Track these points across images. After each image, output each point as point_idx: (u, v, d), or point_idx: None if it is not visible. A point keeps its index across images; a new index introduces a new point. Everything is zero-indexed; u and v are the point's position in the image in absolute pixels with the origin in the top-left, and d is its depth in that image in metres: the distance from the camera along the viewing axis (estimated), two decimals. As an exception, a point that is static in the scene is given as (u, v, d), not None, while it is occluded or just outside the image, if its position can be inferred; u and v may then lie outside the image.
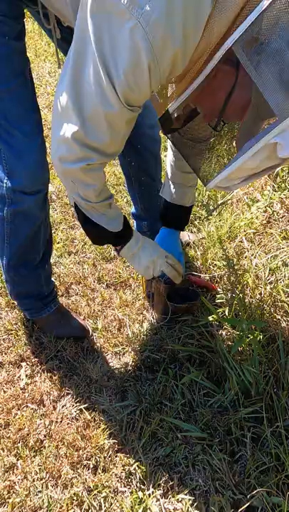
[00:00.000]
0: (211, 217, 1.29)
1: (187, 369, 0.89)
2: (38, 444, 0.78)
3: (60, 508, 0.68)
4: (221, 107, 0.53)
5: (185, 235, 1.22)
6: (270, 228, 1.22)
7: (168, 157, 0.90)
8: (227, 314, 0.95)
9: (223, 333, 0.95)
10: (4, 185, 0.72)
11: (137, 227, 1.21)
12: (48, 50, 2.48)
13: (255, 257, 1.12)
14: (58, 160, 0.60)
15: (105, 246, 1.23)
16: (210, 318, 0.94)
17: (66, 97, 0.53)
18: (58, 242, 1.25)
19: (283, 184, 1.29)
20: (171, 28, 0.44)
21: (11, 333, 1.00)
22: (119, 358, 0.95)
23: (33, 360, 0.94)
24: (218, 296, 1.02)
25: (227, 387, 0.81)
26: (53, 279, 0.99)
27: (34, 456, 0.76)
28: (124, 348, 0.97)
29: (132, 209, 1.21)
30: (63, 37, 0.69)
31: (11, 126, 0.66)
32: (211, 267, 1.14)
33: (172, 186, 0.91)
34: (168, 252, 0.89)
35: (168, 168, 0.91)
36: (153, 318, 1.04)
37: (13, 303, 1.06)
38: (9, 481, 0.72)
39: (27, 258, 0.85)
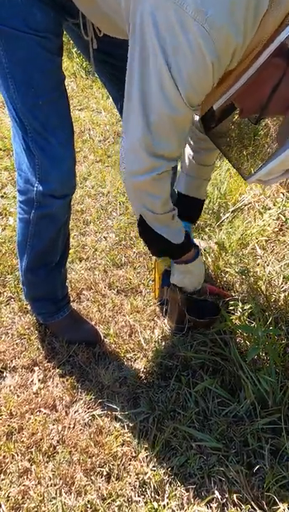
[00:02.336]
0: (221, 225, 1.30)
1: (200, 377, 0.88)
2: (51, 449, 0.77)
3: (74, 516, 0.67)
4: (265, 101, 0.54)
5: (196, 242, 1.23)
6: (283, 236, 1.21)
7: (185, 150, 0.91)
8: (241, 322, 0.94)
9: (237, 340, 0.93)
10: (35, 189, 0.74)
11: None
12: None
13: (268, 265, 1.11)
14: (128, 174, 0.64)
15: (116, 252, 1.24)
16: (224, 325, 0.93)
17: (135, 108, 0.56)
18: (70, 249, 1.27)
19: (295, 192, 1.30)
20: (233, 27, 0.46)
21: (24, 338, 1.01)
22: (131, 365, 0.95)
23: (45, 365, 0.94)
24: (231, 303, 1.01)
25: (242, 397, 0.79)
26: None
27: (47, 462, 0.75)
28: (135, 354, 0.97)
29: None
30: (98, 47, 0.72)
31: (48, 134, 0.70)
32: (222, 274, 1.13)
33: (187, 179, 0.93)
34: None
35: (184, 161, 0.92)
36: (165, 324, 1.03)
37: (25, 308, 1.08)
38: (24, 485, 0.71)
39: (46, 260, 0.87)
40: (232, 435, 0.75)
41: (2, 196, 1.48)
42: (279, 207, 1.27)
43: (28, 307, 1.07)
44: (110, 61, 0.78)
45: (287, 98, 0.54)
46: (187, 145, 0.90)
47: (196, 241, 1.24)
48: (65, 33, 0.72)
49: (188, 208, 0.95)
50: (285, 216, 1.25)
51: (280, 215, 1.25)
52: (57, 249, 0.87)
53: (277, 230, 1.23)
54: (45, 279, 0.90)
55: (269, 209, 1.29)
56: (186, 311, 0.95)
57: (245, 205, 1.34)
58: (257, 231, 1.22)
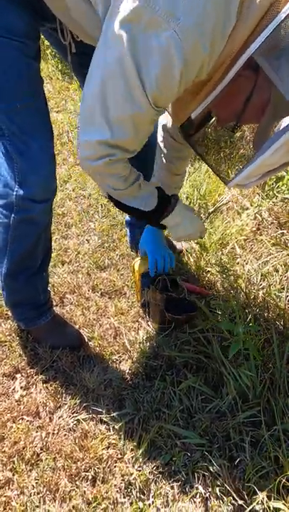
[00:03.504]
0: (203, 225, 1.33)
1: (184, 375, 0.89)
2: (34, 457, 0.76)
3: (59, 523, 0.66)
4: (240, 110, 0.56)
5: (178, 243, 1.25)
6: (260, 235, 1.26)
7: (157, 159, 0.92)
8: (222, 320, 0.97)
9: (219, 338, 0.96)
10: (14, 193, 0.74)
11: (131, 236, 1.23)
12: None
13: (247, 263, 1.15)
14: (83, 159, 0.64)
15: (99, 255, 1.24)
16: (206, 323, 0.96)
17: (93, 101, 0.56)
18: (52, 252, 1.25)
19: (271, 192, 1.35)
20: (202, 37, 0.48)
21: (5, 345, 0.98)
22: (116, 367, 0.95)
23: (28, 372, 0.93)
24: (212, 302, 1.04)
25: (225, 392, 0.82)
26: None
27: (30, 471, 0.73)
28: (120, 356, 0.97)
29: (126, 217, 1.23)
30: (76, 51, 0.72)
31: (27, 138, 0.69)
32: (204, 273, 1.16)
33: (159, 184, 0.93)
34: (157, 253, 0.92)
35: (156, 170, 0.93)
36: (149, 325, 1.04)
37: (6, 314, 1.05)
38: (5, 496, 0.69)
39: (26, 265, 0.86)
40: (215, 430, 0.77)
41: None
42: (256, 207, 1.32)
43: (9, 313, 1.04)
44: (88, 63, 0.79)
45: (260, 107, 0.56)
46: (160, 154, 0.91)
47: (178, 242, 1.26)
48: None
49: None
50: (261, 216, 1.30)
51: (256, 214, 1.30)
52: (37, 253, 0.86)
53: (254, 229, 1.28)
54: (25, 285, 0.89)
55: (247, 209, 1.34)
56: (165, 309, 0.96)
57: (224, 205, 1.38)
58: (236, 231, 1.26)
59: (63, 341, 0.97)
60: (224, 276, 1.12)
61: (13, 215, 0.77)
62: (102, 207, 1.45)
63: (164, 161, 0.91)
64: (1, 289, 0.93)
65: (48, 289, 0.98)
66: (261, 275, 1.10)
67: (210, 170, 1.52)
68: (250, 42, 0.49)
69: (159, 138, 0.90)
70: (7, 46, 0.62)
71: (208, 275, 1.15)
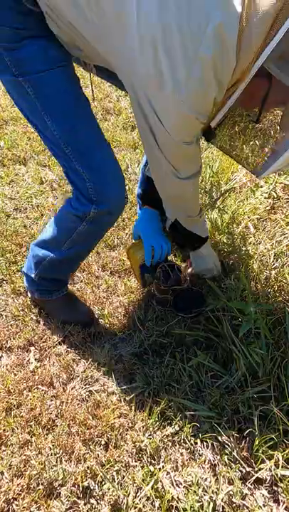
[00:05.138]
0: (214, 203, 1.29)
1: (194, 352, 0.90)
2: (50, 422, 0.79)
3: (75, 480, 0.71)
4: (260, 107, 0.60)
5: None
6: (274, 214, 1.22)
7: None
8: (233, 299, 0.96)
9: (230, 317, 0.96)
10: (92, 209, 0.77)
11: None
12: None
13: (259, 243, 1.12)
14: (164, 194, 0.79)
15: (108, 234, 1.23)
16: (217, 302, 0.95)
17: (154, 150, 0.68)
18: None
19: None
20: (209, 91, 0.55)
21: (19, 319, 1.01)
22: (126, 343, 0.97)
23: (41, 345, 0.96)
24: (223, 281, 1.03)
25: (234, 369, 0.83)
26: None
27: (47, 434, 0.78)
28: (130, 334, 0.99)
29: (138, 190, 1.21)
30: (97, 73, 0.79)
31: (93, 151, 0.73)
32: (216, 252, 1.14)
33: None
34: (154, 240, 0.95)
35: None
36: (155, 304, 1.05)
37: (19, 290, 1.07)
38: (25, 455, 0.74)
39: (80, 258, 0.94)
40: (224, 404, 0.78)
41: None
42: (270, 184, 1.26)
43: (21, 289, 1.06)
44: (110, 80, 0.83)
45: (281, 100, 0.60)
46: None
47: None
48: None
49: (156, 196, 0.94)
50: (276, 193, 1.25)
51: (271, 192, 1.25)
52: (91, 249, 0.93)
53: (268, 208, 1.23)
54: (67, 267, 0.95)
55: (261, 187, 1.28)
56: (174, 307, 0.98)
57: (237, 184, 1.33)
58: (249, 209, 1.22)
59: (74, 317, 0.99)
60: (236, 255, 1.10)
61: (84, 223, 0.81)
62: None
63: None
64: (32, 264, 0.94)
65: None
66: (274, 255, 1.07)
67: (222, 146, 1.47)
68: (257, 56, 0.52)
69: None
70: (53, 75, 0.67)
71: (220, 254, 1.13)
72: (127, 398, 0.83)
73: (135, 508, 0.66)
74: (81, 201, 0.78)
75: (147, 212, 0.99)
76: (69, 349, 0.95)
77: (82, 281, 1.12)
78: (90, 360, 0.92)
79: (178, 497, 0.67)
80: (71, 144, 0.71)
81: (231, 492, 0.66)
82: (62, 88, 0.69)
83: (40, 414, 0.81)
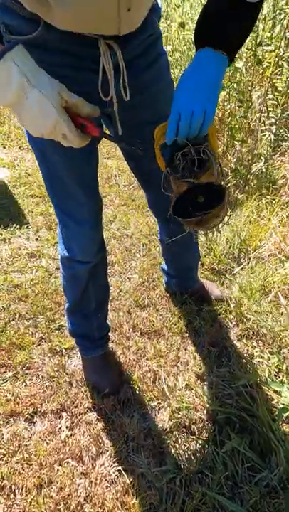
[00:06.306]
0: (242, 271, 1.33)
1: (227, 434, 0.86)
2: (78, 508, 0.76)
3: None
4: None
5: (216, 290, 1.26)
6: (305, 285, 1.22)
7: None
8: (267, 376, 0.93)
9: (265, 394, 0.92)
10: (63, 254, 0.90)
11: (167, 282, 1.28)
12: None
13: (291, 315, 1.12)
14: None
15: (139, 293, 1.29)
16: (250, 377, 0.93)
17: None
18: (109, 296, 1.32)
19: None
20: None
21: (53, 381, 1.04)
22: (155, 414, 0.94)
23: (72, 411, 0.96)
24: (256, 352, 1.01)
25: (274, 462, 0.77)
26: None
27: (75, 522, 0.74)
28: (159, 403, 0.97)
29: (163, 265, 1.28)
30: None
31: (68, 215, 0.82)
32: (245, 320, 1.14)
33: None
34: (186, 105, 0.52)
35: None
36: (188, 371, 1.03)
37: (55, 349, 1.12)
38: None
39: (82, 306, 0.99)
40: (265, 509, 0.72)
41: (37, 239, 1.58)
42: (300, 255, 1.29)
43: (57, 348, 1.11)
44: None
45: None
46: None
47: (215, 288, 1.24)
48: None
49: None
50: (307, 266, 1.27)
51: (302, 265, 1.27)
52: (90, 299, 0.96)
53: (299, 279, 1.25)
54: (82, 320, 1.00)
55: (290, 258, 1.32)
56: (172, 208, 0.58)
57: (266, 252, 1.38)
58: (279, 279, 1.24)
59: (103, 384, 1.00)
60: (268, 326, 1.09)
61: (65, 269, 0.94)
62: (143, 246, 1.52)
63: None
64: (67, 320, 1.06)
65: (107, 324, 1.06)
66: (308, 329, 1.05)
67: (251, 215, 1.54)
68: None
69: None
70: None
71: (250, 323, 1.13)
72: (156, 484, 0.79)
73: None
74: (60, 246, 0.89)
75: (201, 56, 0.53)
76: (99, 417, 0.94)
77: (113, 341, 1.14)
78: (118, 431, 0.91)
79: None
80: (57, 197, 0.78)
81: None
82: (70, 153, 0.64)
83: (69, 495, 0.78)
